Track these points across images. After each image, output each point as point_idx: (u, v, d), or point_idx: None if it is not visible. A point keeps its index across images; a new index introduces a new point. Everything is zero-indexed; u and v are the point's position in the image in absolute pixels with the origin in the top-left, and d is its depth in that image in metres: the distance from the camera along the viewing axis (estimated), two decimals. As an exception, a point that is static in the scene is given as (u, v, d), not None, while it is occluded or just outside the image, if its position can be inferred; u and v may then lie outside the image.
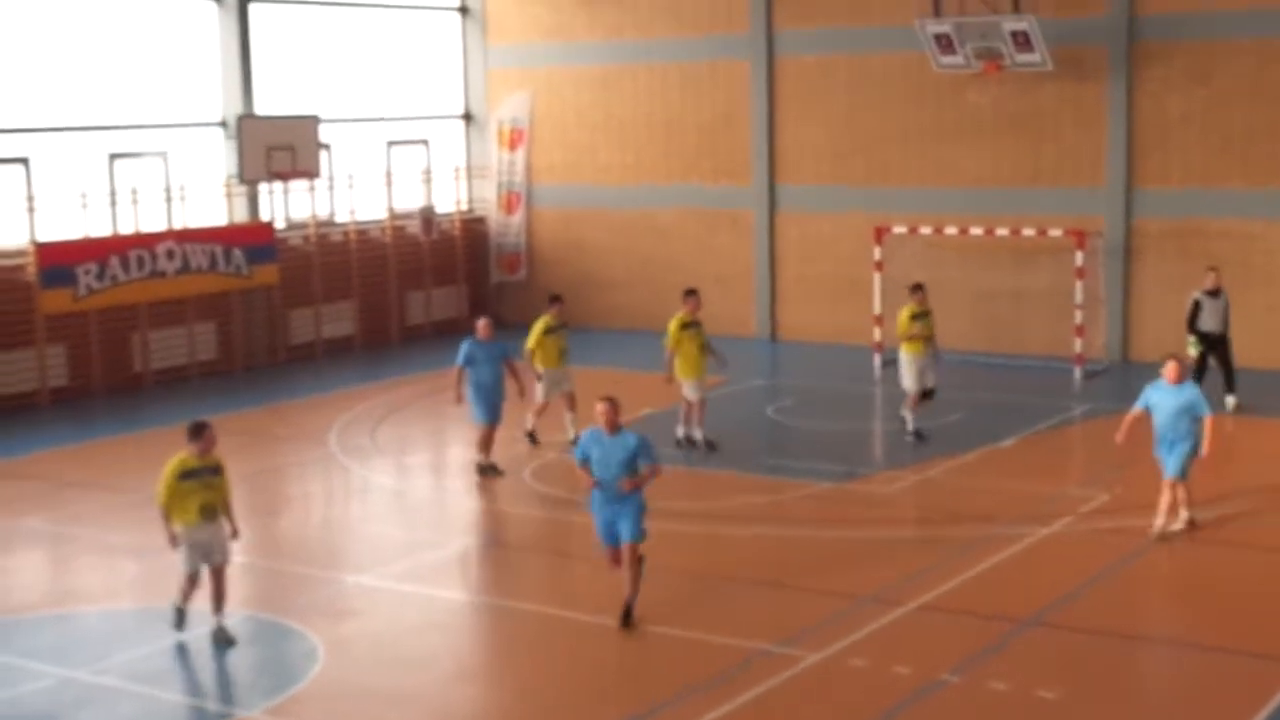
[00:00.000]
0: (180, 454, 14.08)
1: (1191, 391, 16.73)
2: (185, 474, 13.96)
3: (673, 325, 21.33)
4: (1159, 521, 16.91)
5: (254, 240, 28.87)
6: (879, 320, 28.09)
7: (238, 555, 17.33)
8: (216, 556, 14.20)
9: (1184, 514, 17.05)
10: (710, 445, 21.47)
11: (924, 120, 29.27)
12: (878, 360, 27.88)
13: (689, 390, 21.30)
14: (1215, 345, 23.48)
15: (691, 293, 21.99)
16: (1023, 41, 26.67)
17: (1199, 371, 23.02)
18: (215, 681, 13.48)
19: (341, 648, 14.06)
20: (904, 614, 14.62)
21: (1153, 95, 27.28)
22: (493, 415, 20.42)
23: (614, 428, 14.32)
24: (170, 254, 27.35)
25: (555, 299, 22.39)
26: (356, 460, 21.72)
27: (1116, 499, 18.58)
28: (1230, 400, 23.31)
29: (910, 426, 21.90)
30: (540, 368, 21.65)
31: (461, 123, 34.51)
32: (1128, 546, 16.68)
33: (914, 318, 21.80)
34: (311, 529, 18.90)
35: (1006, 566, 16.18)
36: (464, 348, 20.52)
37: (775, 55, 30.61)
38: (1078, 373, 26.43)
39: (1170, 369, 16.79)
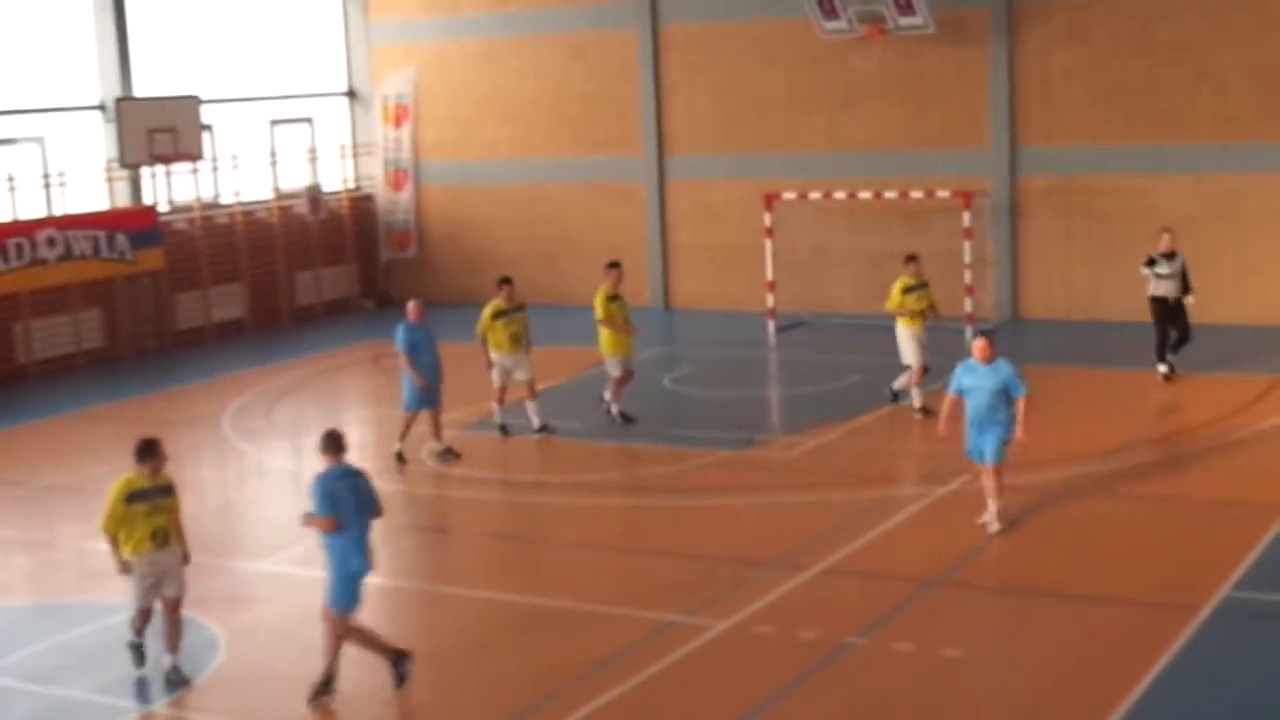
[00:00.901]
0: (126, 474, 12.84)
1: (1005, 370, 15.61)
2: (133, 495, 12.71)
3: (598, 299, 21.02)
4: (993, 507, 15.84)
5: (137, 225, 28.40)
6: (771, 286, 28.17)
7: (133, 545, 17.10)
8: (170, 588, 12.93)
9: (992, 506, 15.86)
10: (627, 418, 21.29)
11: (811, 86, 29.34)
12: (771, 326, 27.97)
13: (616, 366, 21.09)
14: (1173, 312, 22.40)
15: (614, 265, 21.71)
16: (904, 4, 26.80)
17: (1161, 339, 22.33)
18: (115, 677, 13.21)
19: (242, 636, 13.89)
20: (808, 579, 14.67)
21: (1034, 54, 27.52)
22: (434, 401, 19.73)
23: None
24: (51, 241, 26.83)
25: (505, 281, 20.76)
26: (252, 444, 21.46)
27: (1012, 455, 18.70)
28: (1162, 367, 22.43)
29: (917, 403, 20.90)
30: (493, 354, 20.52)
31: (345, 100, 34.14)
32: (1025, 502, 16.83)
33: (907, 290, 20.99)
34: (207, 516, 18.59)
35: (907, 527, 16.29)
36: (402, 333, 19.65)
37: (660, 24, 30.55)
38: (969, 332, 26.63)
39: (979, 347, 15.74)
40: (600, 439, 20.49)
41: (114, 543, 12.80)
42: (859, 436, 20.20)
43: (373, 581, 15.32)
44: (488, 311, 20.54)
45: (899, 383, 21.40)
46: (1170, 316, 22.40)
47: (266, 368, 26.92)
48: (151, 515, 12.78)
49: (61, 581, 16.10)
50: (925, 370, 21.08)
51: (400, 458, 19.70)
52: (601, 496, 17.90)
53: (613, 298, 21.23)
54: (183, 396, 25.07)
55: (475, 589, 15.09)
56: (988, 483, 15.84)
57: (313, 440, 22.12)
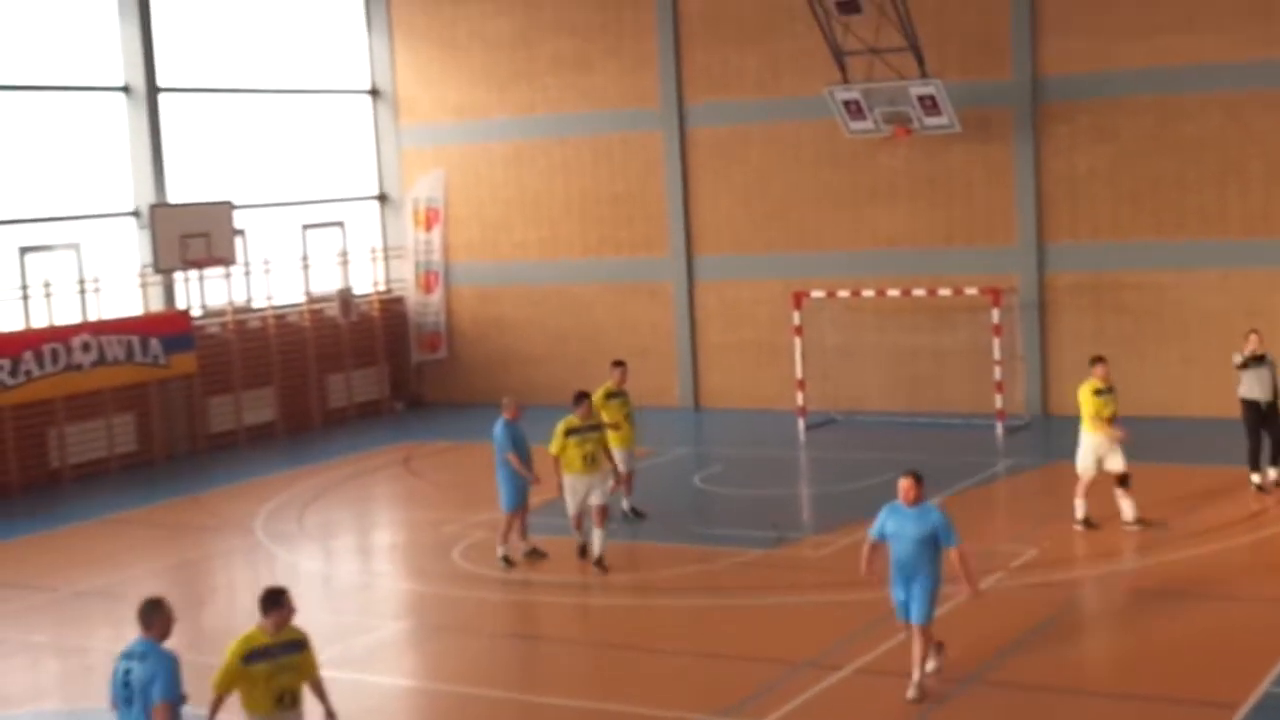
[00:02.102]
0: (247, 630, 11.36)
1: (935, 516, 13.74)
2: (253, 654, 11.09)
3: (598, 396, 20.95)
4: (915, 675, 13.96)
5: (171, 329, 28.62)
6: (801, 384, 28.22)
7: (166, 649, 17.10)
8: None
9: (915, 674, 13.92)
10: (638, 514, 21.40)
11: (837, 185, 29.55)
12: (801, 424, 27.97)
13: (621, 461, 21.09)
14: (1266, 415, 21.06)
15: (618, 364, 21.88)
16: (930, 105, 27.01)
17: (1255, 444, 21.10)
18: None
19: (276, 739, 13.81)
20: (841, 678, 14.60)
21: (1059, 153, 27.69)
22: (524, 499, 19.54)
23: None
24: (86, 346, 27.06)
25: (581, 395, 19.53)
26: (284, 547, 21.50)
27: (1045, 553, 18.68)
28: (1273, 472, 21.24)
29: (1080, 515, 19.79)
30: (565, 475, 19.26)
31: (376, 203, 34.48)
32: (1060, 600, 16.77)
33: (1097, 393, 19.81)
34: (239, 619, 18.55)
35: (941, 625, 16.16)
36: (503, 430, 19.52)
37: (687, 127, 30.84)
38: (999, 429, 26.64)
39: (904, 487, 13.82)
40: (630, 539, 20.48)
41: (216, 705, 11.17)
42: (890, 534, 20.10)
43: (407, 684, 15.30)
44: (560, 429, 19.15)
45: (1129, 512, 19.74)
46: (1263, 421, 21.09)
47: (298, 471, 27.00)
48: (275, 676, 11.12)
49: (93, 688, 16.07)
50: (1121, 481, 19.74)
51: (508, 560, 19.41)
52: (632, 597, 17.86)
53: (612, 395, 21.29)
54: (215, 500, 25.15)
55: (501, 689, 15.03)
56: (914, 646, 13.97)
57: (344, 543, 22.31)
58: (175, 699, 10.46)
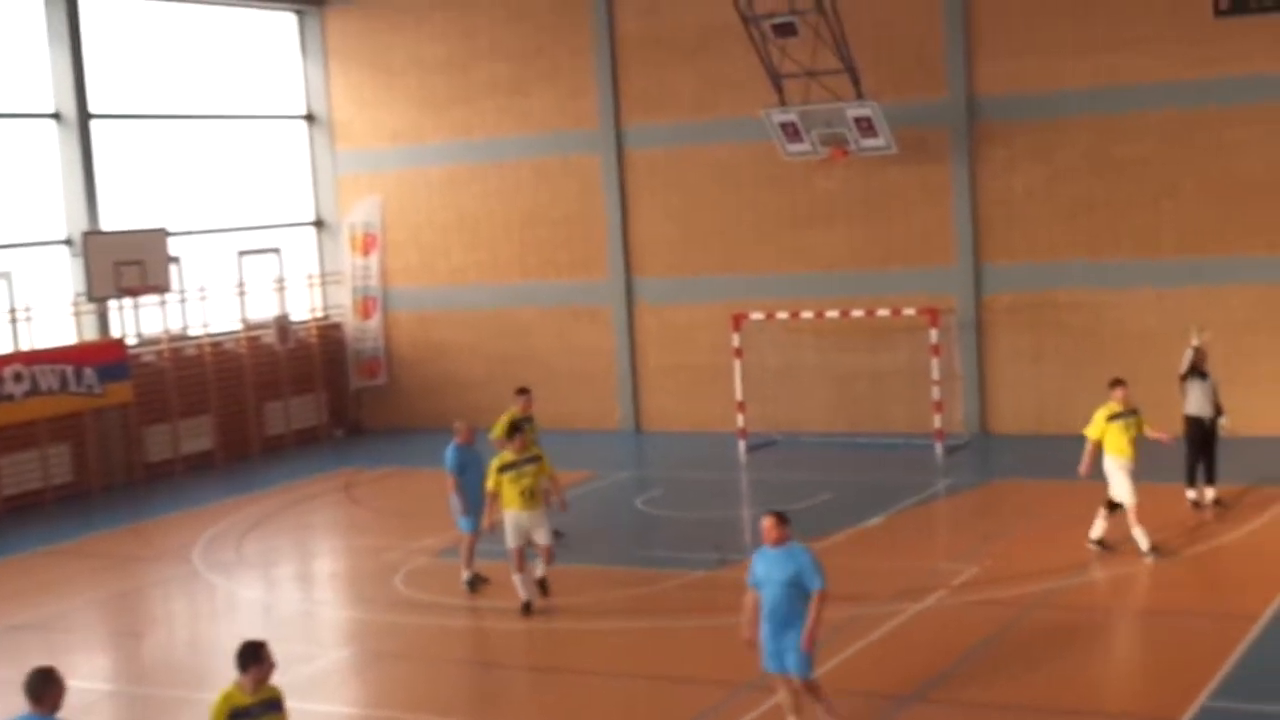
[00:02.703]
0: (225, 689, 10.72)
1: (801, 557, 12.83)
2: (234, 716, 10.53)
3: (499, 425, 20.54)
4: None
5: (105, 358, 28.34)
6: (741, 406, 28.24)
7: (101, 683, 16.93)
8: None
9: None
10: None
11: (775, 207, 29.63)
12: (742, 446, 28.00)
13: None
14: (1209, 432, 21.10)
15: (523, 391, 21.66)
16: (866, 127, 27.12)
17: (1193, 460, 21.01)
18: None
19: (216, 770, 13.65)
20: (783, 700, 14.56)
21: (995, 174, 27.88)
22: (480, 522, 19.04)
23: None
24: (18, 376, 26.75)
25: (515, 429, 18.99)
26: (222, 576, 21.30)
27: (986, 571, 18.75)
28: (1210, 491, 21.15)
29: (1144, 545, 18.83)
30: (504, 509, 18.47)
31: (313, 229, 34.31)
32: (1001, 618, 16.81)
33: (1113, 418, 19.25)
34: (178, 650, 18.45)
35: (883, 644, 16.23)
36: (453, 454, 19.34)
37: (625, 149, 30.86)
38: (939, 448, 26.74)
39: (766, 527, 13.01)
40: (571, 562, 20.39)
41: None
42: (830, 555, 20.02)
43: (351, 711, 15.18)
44: (494, 464, 18.44)
45: (1099, 530, 19.36)
46: (1205, 438, 21.05)
47: (237, 499, 26.79)
48: None
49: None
50: (1113, 507, 19.21)
51: (473, 584, 19.20)
52: (575, 620, 17.78)
53: (517, 421, 20.90)
54: (152, 530, 24.91)
55: (446, 716, 14.94)
56: (788, 699, 13.25)
57: (284, 571, 22.12)
58: None
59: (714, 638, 16.96)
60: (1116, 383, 19.55)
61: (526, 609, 17.98)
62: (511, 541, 18.26)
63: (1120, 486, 18.98)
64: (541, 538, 18.34)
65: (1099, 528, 19.34)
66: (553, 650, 16.81)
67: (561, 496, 18.93)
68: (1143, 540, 18.82)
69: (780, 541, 12.86)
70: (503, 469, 18.21)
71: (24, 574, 22.31)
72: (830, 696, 13.27)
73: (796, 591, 12.71)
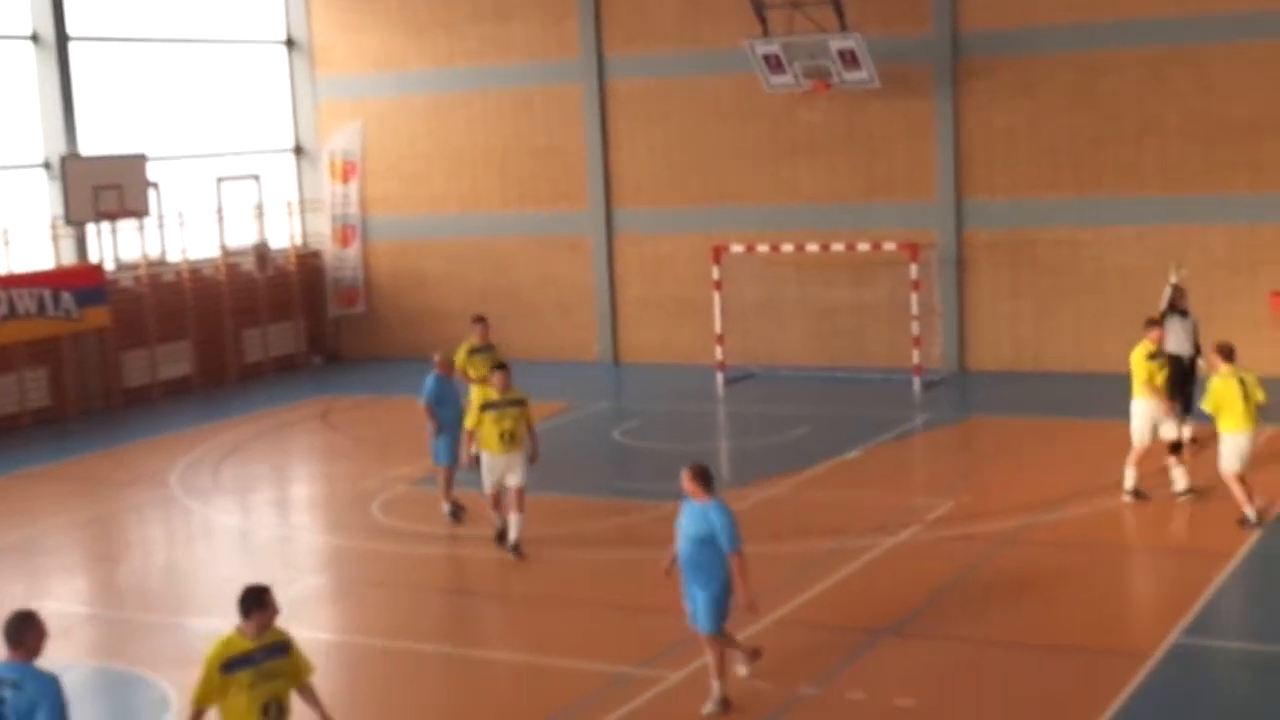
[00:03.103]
0: (224, 634, 10.10)
1: (715, 517, 12.41)
2: (233, 662, 9.87)
3: (460, 352, 20.71)
4: (715, 689, 12.76)
5: (83, 283, 28.21)
6: (720, 339, 28.25)
7: (78, 606, 16.97)
8: None
9: (714, 689, 12.72)
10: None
11: (758, 139, 29.53)
12: (720, 379, 28.03)
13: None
14: (1188, 370, 20.83)
15: (479, 319, 21.60)
16: (850, 59, 27.00)
17: (1180, 397, 19.88)
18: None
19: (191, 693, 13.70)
20: (760, 629, 14.63)
21: (978, 109, 27.80)
22: (457, 455, 18.83)
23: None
24: (-4, 299, 26.65)
25: (499, 366, 18.15)
26: (199, 501, 21.31)
27: (961, 506, 18.85)
28: (1187, 430, 20.10)
29: (1130, 485, 18.65)
30: (481, 450, 17.78)
31: (292, 156, 34.12)
32: (975, 553, 16.91)
33: (1151, 358, 18.67)
34: (154, 574, 18.49)
35: (858, 578, 16.32)
36: (433, 384, 19.29)
37: (606, 79, 30.70)
38: (917, 383, 26.80)
39: (684, 479, 12.67)
40: (548, 492, 20.44)
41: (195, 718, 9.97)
42: (807, 489, 20.25)
43: (328, 638, 15.24)
44: (476, 400, 17.86)
45: (1181, 483, 18.66)
46: (1183, 377, 20.64)
47: (214, 425, 26.76)
48: (259, 685, 9.86)
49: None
50: (1174, 449, 18.83)
51: (454, 514, 19.22)
52: (551, 550, 17.83)
53: (476, 350, 20.99)
54: (129, 455, 24.89)
55: (425, 643, 15.01)
56: (708, 655, 12.86)
57: (261, 497, 22.14)
58: None
59: (690, 568, 17.02)
60: (1153, 322, 19.14)
61: (501, 538, 17.71)
62: (488, 485, 17.72)
63: (1140, 424, 18.55)
64: (514, 480, 17.47)
65: (1180, 480, 18.65)
66: (529, 579, 16.87)
67: (536, 447, 17.84)
68: (1130, 479, 18.62)
69: (698, 493, 12.59)
70: (485, 407, 17.53)
71: (1, 497, 22.29)
72: (741, 646, 13.11)
73: (707, 549, 12.45)
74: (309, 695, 10.18)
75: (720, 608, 12.59)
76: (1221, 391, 17.36)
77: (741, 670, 13.13)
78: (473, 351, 20.99)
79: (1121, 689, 12.73)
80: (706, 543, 12.41)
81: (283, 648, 10.04)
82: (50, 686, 9.12)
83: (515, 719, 12.84)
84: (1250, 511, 17.34)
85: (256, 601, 9.97)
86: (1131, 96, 26.70)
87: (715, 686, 12.74)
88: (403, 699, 13.67)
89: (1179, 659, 13.48)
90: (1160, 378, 18.61)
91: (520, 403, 17.69)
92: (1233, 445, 17.34)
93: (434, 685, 13.96)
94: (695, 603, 12.68)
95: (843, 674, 13.46)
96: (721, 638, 12.77)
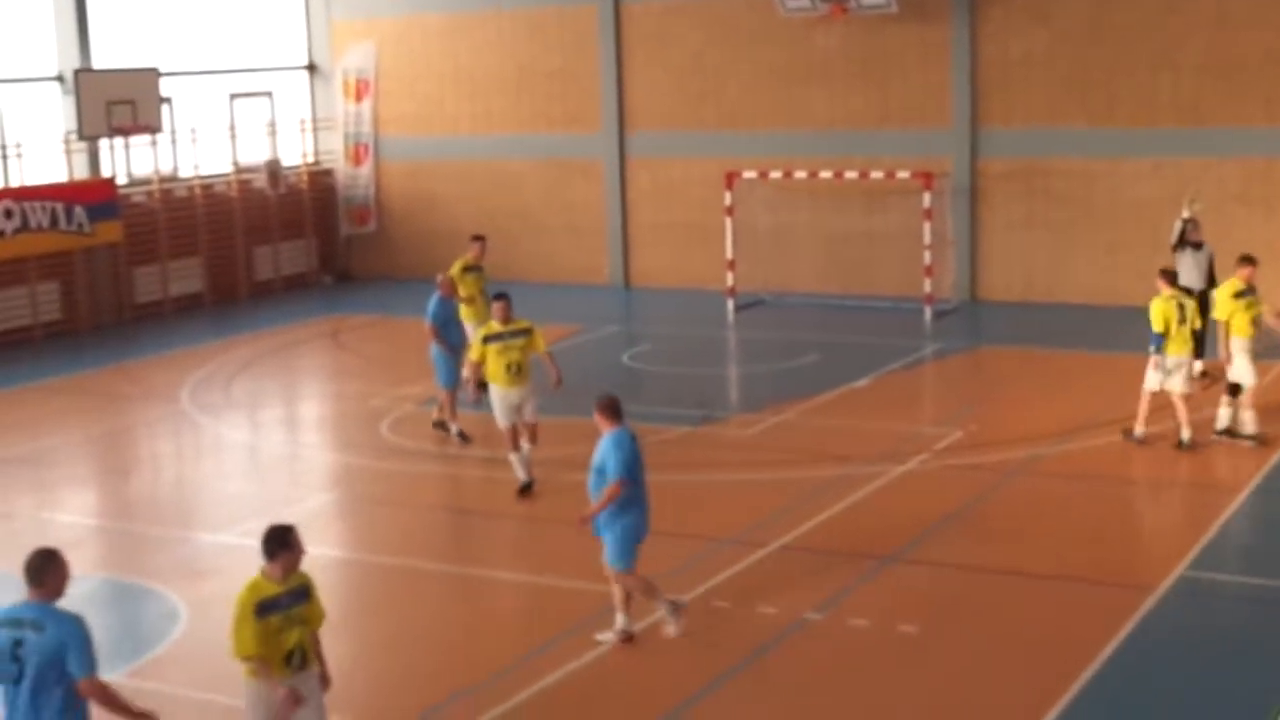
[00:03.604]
0: (251, 578, 9.58)
1: (607, 443, 12.42)
2: (264, 606, 9.42)
3: (455, 269, 21.05)
4: (618, 622, 12.74)
5: (96, 197, 28.21)
6: (731, 265, 28.21)
7: (89, 518, 17.10)
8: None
9: (618, 621, 12.68)
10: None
11: (772, 64, 29.37)
12: (731, 305, 28.01)
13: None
14: (1199, 303, 19.58)
15: (478, 238, 22.01)
16: (867, -16, 26.83)
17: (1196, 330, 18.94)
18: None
19: (202, 607, 13.85)
20: (765, 555, 14.75)
21: (994, 37, 27.61)
22: (458, 377, 18.88)
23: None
24: (8, 213, 26.63)
25: (499, 296, 17.42)
26: (210, 417, 21.39)
27: (970, 435, 18.87)
28: (1198, 364, 19.26)
29: (1251, 429, 18.01)
30: (490, 383, 17.32)
31: (306, 74, 33.99)
32: (983, 482, 16.96)
33: (1238, 295, 18.17)
34: (165, 488, 18.60)
35: (864, 505, 16.38)
36: (437, 306, 19.26)
37: (622, 2, 30.50)
38: (928, 312, 26.78)
39: (595, 413, 12.61)
40: (556, 415, 20.48)
41: (262, 671, 9.44)
42: (816, 415, 20.28)
43: (336, 554, 15.36)
44: (480, 333, 17.41)
45: (1224, 418, 18.29)
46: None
47: (225, 342, 26.82)
48: (284, 631, 9.46)
49: (19, 553, 15.97)
50: (1233, 390, 18.19)
51: (463, 435, 19.20)
52: (559, 472, 17.88)
53: (469, 269, 21.29)
54: (140, 370, 24.97)
55: (431, 561, 15.10)
56: (614, 589, 12.76)
57: (271, 414, 22.23)
58: (97, 668, 8.77)
59: (696, 493, 17.11)
60: (1245, 260, 18.46)
61: (526, 489, 17.05)
62: (502, 420, 17.11)
63: (1242, 368, 18.06)
64: (528, 413, 17.12)
65: (1224, 417, 18.27)
66: (535, 500, 16.93)
67: (558, 372, 17.24)
68: (1250, 424, 18.01)
69: (608, 424, 12.47)
70: (488, 339, 16.97)
71: (12, 409, 22.40)
72: (661, 597, 12.77)
73: (602, 481, 12.38)
74: (316, 645, 9.81)
75: (625, 542, 12.49)
76: (1158, 313, 17.76)
77: (670, 630, 12.71)
78: (466, 269, 21.31)
79: (1126, 621, 12.78)
80: (601, 473, 12.39)
81: (305, 591, 9.61)
82: (76, 627, 8.73)
83: (520, 638, 12.92)
84: (1139, 430, 18.02)
85: (281, 542, 9.48)
86: (1148, 26, 26.49)
87: (619, 619, 12.68)
88: (408, 617, 13.78)
89: (1185, 592, 13.54)
90: (1251, 314, 18.12)
91: (526, 332, 17.10)
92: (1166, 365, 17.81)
93: (439, 603, 14.07)
94: (604, 534, 12.56)
95: (847, 600, 13.54)
96: (628, 574, 12.57)
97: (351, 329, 27.88)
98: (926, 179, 26.80)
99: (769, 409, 20.55)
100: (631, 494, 12.40)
